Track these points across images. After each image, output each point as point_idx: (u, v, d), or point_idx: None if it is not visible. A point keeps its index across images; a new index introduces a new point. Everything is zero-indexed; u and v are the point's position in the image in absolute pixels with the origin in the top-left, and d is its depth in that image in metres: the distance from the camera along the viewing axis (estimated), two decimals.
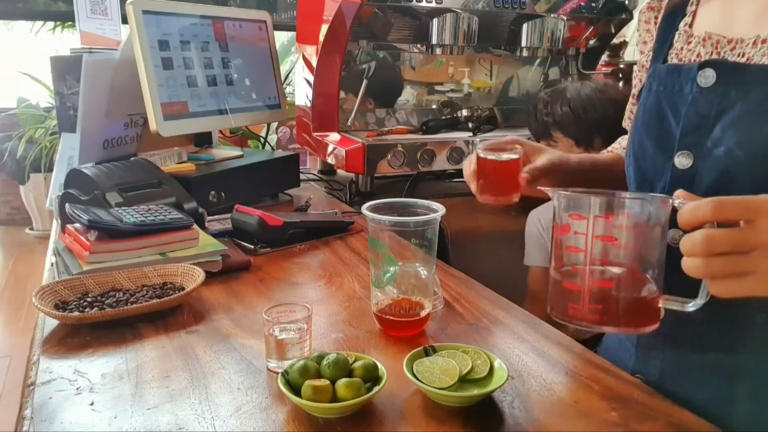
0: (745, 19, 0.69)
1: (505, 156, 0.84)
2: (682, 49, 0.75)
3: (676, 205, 0.58)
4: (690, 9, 0.77)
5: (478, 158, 0.86)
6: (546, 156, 0.88)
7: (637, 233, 0.61)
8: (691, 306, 0.59)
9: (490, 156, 0.84)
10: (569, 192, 0.64)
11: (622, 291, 0.61)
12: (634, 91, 0.90)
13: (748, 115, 0.65)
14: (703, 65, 0.68)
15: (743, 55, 0.67)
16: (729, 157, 0.65)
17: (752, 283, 0.53)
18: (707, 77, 0.68)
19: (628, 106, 0.93)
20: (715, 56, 0.70)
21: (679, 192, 0.58)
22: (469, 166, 0.89)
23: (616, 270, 0.61)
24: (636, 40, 0.90)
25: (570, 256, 0.63)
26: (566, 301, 0.63)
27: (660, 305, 0.61)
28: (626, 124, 0.94)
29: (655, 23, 0.83)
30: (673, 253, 0.58)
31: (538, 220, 1.51)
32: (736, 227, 0.53)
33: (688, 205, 0.55)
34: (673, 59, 0.76)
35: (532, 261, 1.52)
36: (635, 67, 0.89)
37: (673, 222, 0.58)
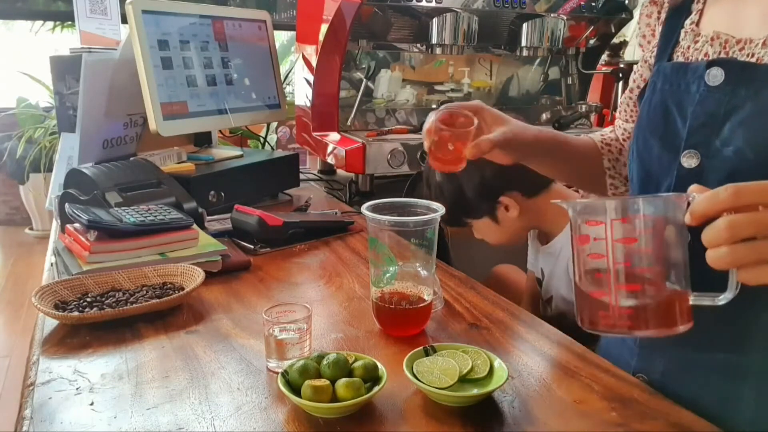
0: (754, 20, 0.68)
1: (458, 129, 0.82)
2: (689, 47, 0.74)
3: (691, 200, 0.56)
4: (696, 7, 0.76)
5: (435, 126, 0.83)
6: (501, 130, 0.84)
7: (657, 233, 0.60)
8: (722, 300, 0.57)
9: (444, 128, 0.83)
10: (584, 200, 0.63)
11: (649, 293, 0.60)
12: (632, 85, 0.89)
13: (758, 114, 0.64)
14: (711, 64, 0.68)
15: (752, 56, 0.66)
16: (738, 157, 0.64)
17: None
18: (715, 76, 0.67)
19: (623, 99, 0.93)
20: (723, 56, 0.69)
21: (693, 187, 0.57)
22: (428, 123, 0.85)
23: (640, 272, 0.60)
24: (636, 34, 0.89)
25: (592, 264, 0.62)
26: (596, 310, 0.62)
27: (690, 303, 0.60)
28: (619, 120, 0.94)
29: (658, 18, 0.82)
30: (695, 251, 0.56)
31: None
32: (757, 211, 0.52)
33: (703, 194, 0.54)
34: (678, 57, 0.75)
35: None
36: (635, 67, 0.89)
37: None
